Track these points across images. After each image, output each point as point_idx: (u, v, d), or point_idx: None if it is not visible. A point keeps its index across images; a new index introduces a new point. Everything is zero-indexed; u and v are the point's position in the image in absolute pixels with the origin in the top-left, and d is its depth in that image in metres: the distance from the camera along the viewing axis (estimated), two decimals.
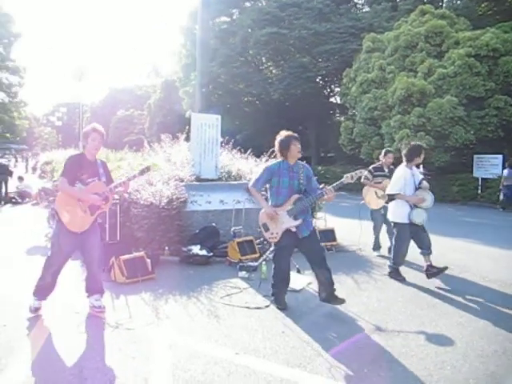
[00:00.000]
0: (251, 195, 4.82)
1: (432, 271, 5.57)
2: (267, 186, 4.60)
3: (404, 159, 5.77)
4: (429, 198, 5.62)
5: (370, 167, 7.47)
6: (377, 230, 7.33)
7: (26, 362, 3.32)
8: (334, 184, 4.46)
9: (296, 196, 4.43)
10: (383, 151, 7.47)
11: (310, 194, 4.47)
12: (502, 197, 15.17)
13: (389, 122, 17.55)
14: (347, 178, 4.41)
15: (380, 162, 7.41)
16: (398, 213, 5.67)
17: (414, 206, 5.58)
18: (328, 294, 4.45)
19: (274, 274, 4.59)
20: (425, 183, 5.70)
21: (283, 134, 4.54)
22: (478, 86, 15.91)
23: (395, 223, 5.74)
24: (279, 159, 4.58)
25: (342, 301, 4.44)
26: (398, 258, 5.74)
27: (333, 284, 4.46)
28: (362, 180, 7.24)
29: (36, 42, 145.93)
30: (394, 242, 5.80)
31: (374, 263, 6.64)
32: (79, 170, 4.09)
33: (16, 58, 36.82)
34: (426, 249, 5.65)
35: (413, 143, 5.88)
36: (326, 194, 4.39)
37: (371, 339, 3.86)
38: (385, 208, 7.31)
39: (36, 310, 4.19)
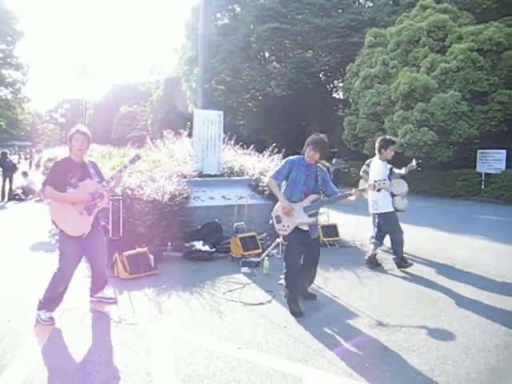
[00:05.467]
0: (269, 186, 4.72)
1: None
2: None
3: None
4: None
5: (367, 161, 7.54)
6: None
7: (31, 356, 3.36)
8: (360, 188, 4.60)
9: (315, 196, 4.45)
10: None
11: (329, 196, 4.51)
12: None
13: (392, 117, 17.47)
14: (370, 187, 4.52)
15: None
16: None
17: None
18: (305, 289, 4.75)
19: (286, 272, 4.47)
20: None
21: (319, 137, 4.44)
22: (482, 81, 15.81)
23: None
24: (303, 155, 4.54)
25: (314, 296, 4.78)
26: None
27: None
28: (361, 174, 7.44)
29: (40, 39, 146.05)
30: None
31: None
32: (67, 175, 3.94)
33: (20, 54, 36.66)
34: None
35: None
36: (351, 195, 4.41)
37: (373, 334, 3.88)
38: None
39: (51, 319, 3.96)
